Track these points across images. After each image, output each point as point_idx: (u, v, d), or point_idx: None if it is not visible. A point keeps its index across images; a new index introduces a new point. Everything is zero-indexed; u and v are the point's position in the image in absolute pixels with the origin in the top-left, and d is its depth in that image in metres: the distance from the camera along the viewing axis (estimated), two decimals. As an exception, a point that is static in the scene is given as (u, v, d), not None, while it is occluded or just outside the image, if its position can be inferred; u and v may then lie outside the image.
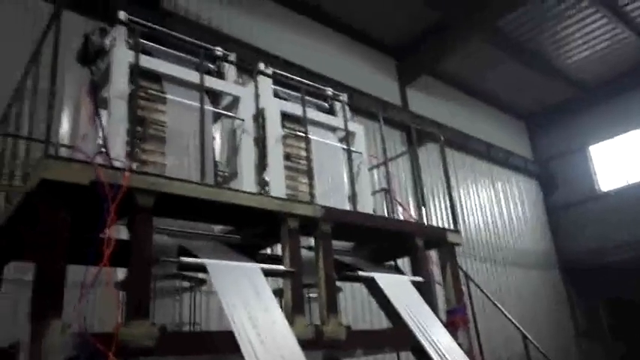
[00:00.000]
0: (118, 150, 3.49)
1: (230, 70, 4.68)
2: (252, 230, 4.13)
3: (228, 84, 4.53)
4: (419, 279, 4.58)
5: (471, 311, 5.75)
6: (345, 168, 5.06)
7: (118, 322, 2.87)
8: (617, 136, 15.37)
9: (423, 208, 5.98)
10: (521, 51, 13.09)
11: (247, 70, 5.21)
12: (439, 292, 5.06)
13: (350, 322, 4.16)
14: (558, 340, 12.88)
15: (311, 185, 4.50)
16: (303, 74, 8.30)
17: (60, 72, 3.16)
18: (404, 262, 5.38)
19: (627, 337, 13.90)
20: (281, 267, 3.73)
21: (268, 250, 4.83)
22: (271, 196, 3.97)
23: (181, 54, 4.46)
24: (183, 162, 3.91)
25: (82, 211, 2.94)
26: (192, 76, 4.15)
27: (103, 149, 3.48)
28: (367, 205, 5.09)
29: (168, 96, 3.95)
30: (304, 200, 4.29)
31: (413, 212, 9.79)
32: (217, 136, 4.73)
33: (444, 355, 4.14)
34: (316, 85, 5.73)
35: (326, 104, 5.58)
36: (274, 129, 4.61)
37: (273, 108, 4.68)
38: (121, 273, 4.03)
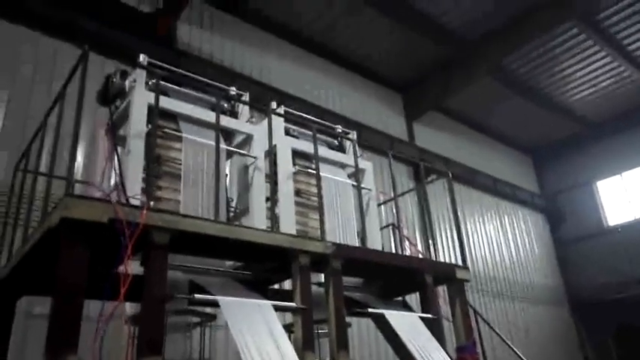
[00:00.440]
0: (135, 187, 3.59)
1: (243, 109, 4.82)
2: (263, 266, 4.18)
3: (242, 123, 4.66)
4: (429, 316, 4.59)
5: (480, 347, 5.70)
6: (354, 204, 5.13)
7: (131, 358, 2.91)
8: (624, 171, 15.42)
9: (431, 244, 6.00)
10: (526, 88, 13.30)
11: (260, 109, 5.37)
12: (448, 328, 5.06)
13: (359, 359, 4.17)
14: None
15: (321, 221, 4.57)
16: (313, 110, 8.51)
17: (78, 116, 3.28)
18: (411, 297, 5.39)
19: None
20: (292, 304, 3.76)
21: (276, 285, 4.88)
22: (283, 233, 4.04)
23: (197, 93, 4.61)
24: (196, 198, 4.00)
25: (98, 247, 3.01)
26: (208, 116, 4.28)
27: (120, 186, 3.59)
28: (376, 240, 5.14)
29: (184, 134, 4.07)
30: (315, 237, 4.35)
31: (420, 247, 9.79)
32: (229, 173, 4.84)
33: (454, 394, 4.12)
34: (326, 122, 5.87)
35: (335, 141, 5.70)
36: (285, 166, 4.72)
37: (285, 145, 4.80)
38: (129, 307, 4.09)
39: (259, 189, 4.46)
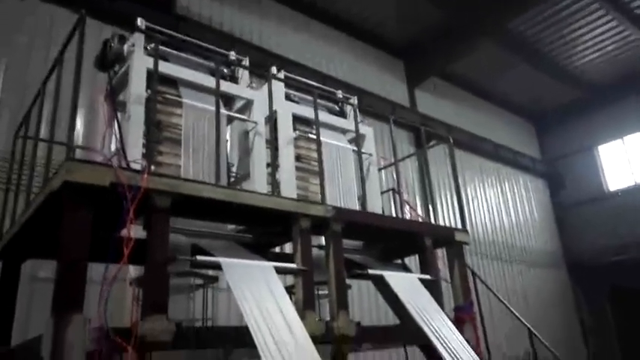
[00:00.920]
0: (135, 152, 3.61)
1: (243, 74, 4.79)
2: (265, 229, 4.24)
3: (242, 88, 4.65)
4: (427, 277, 4.68)
5: (478, 308, 5.82)
6: (355, 169, 5.16)
7: (135, 318, 2.99)
8: (626, 136, 15.39)
9: (431, 208, 6.06)
10: (530, 53, 13.12)
11: (260, 74, 5.33)
12: (446, 289, 5.16)
13: (358, 319, 4.26)
14: (565, 337, 12.89)
15: (322, 186, 4.60)
16: (314, 76, 8.44)
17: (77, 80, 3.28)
18: (411, 260, 5.47)
19: (635, 332, 13.93)
20: (293, 265, 3.84)
21: (278, 248, 4.96)
22: (284, 197, 4.08)
23: (196, 58, 4.58)
24: (197, 164, 4.03)
25: (101, 211, 3.06)
26: (208, 81, 4.27)
27: (120, 151, 3.61)
28: (376, 205, 5.19)
29: (184, 100, 4.07)
30: (316, 201, 4.40)
31: (420, 212, 9.87)
32: (229, 138, 4.86)
33: (452, 351, 4.23)
34: (327, 88, 5.84)
35: (336, 107, 5.68)
36: (286, 131, 4.72)
37: (285, 111, 4.79)
38: (133, 270, 4.17)
39: (260, 154, 4.48)
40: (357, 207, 4.95)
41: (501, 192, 14.32)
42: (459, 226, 5.54)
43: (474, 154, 13.60)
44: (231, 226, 4.41)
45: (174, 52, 4.43)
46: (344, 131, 5.45)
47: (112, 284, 2.90)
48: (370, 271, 4.40)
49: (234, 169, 4.71)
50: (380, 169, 6.26)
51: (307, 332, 3.37)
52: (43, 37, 6.69)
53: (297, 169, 4.80)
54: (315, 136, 4.66)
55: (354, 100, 5.69)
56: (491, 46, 12.27)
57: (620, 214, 14.24)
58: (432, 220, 5.82)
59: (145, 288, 3.20)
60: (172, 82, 4.16)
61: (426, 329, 4.28)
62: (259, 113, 4.53)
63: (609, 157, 15.72)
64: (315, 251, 4.18)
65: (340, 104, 5.68)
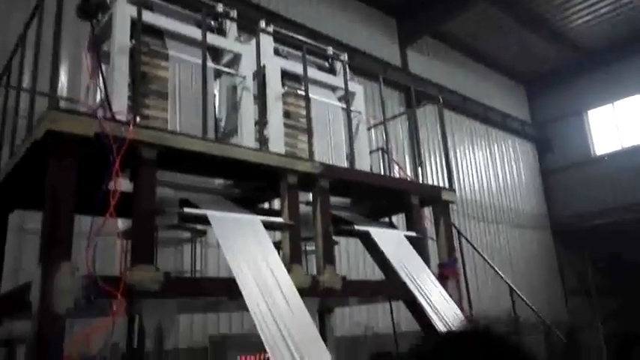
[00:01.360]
0: (120, 104, 3.56)
1: (231, 28, 4.69)
2: (252, 184, 4.25)
3: (230, 41, 4.56)
4: (413, 234, 4.75)
5: (462, 266, 5.95)
6: (343, 127, 5.14)
7: (124, 267, 3.02)
8: (616, 101, 15.42)
9: (420, 168, 6.10)
10: (523, 14, 12.93)
11: (248, 28, 5.22)
12: (432, 248, 5.25)
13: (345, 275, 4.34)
14: (547, 297, 13.27)
15: (310, 143, 4.59)
16: (304, 33, 8.27)
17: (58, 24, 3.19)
18: (398, 220, 5.54)
19: (616, 293, 14.38)
20: (280, 219, 3.87)
21: (266, 205, 4.99)
22: (272, 152, 4.08)
23: (182, 10, 4.47)
24: (184, 117, 3.99)
25: (87, 163, 3.04)
26: (194, 33, 4.17)
27: (105, 102, 3.55)
28: (365, 163, 5.20)
29: (170, 52, 3.98)
30: (304, 157, 4.40)
31: (409, 172, 9.92)
32: (217, 93, 4.79)
33: (434, 305, 4.35)
34: (317, 44, 5.74)
35: (326, 63, 5.61)
36: (274, 86, 4.67)
37: (274, 66, 4.72)
38: (122, 223, 4.18)
39: (248, 110, 4.44)
40: (345, 165, 4.96)
41: (490, 154, 14.42)
42: (447, 185, 5.59)
43: (464, 116, 13.60)
44: (219, 181, 4.42)
45: (159, 1, 4.30)
46: (333, 88, 5.39)
47: (100, 233, 2.92)
48: (357, 227, 4.45)
49: (221, 124, 4.67)
50: (369, 128, 6.25)
51: (294, 285, 3.43)
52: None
53: (286, 125, 4.76)
54: (303, 93, 4.61)
55: (344, 56, 5.61)
56: (486, 6, 12.08)
57: (605, 179, 14.45)
58: (421, 181, 5.86)
59: (133, 239, 3.22)
60: (158, 33, 4.06)
61: (410, 285, 4.38)
62: (247, 68, 4.46)
63: (598, 122, 15.81)
64: (302, 208, 4.21)
65: (330, 61, 5.61)
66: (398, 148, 10.55)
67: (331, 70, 5.61)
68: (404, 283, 4.34)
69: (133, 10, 3.72)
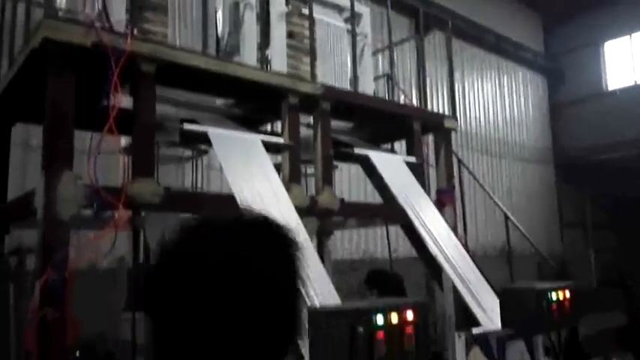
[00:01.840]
0: (119, 15, 3.47)
1: (233, -61, 4.47)
2: (254, 104, 4.24)
3: (231, -46, 4.36)
4: (412, 159, 4.77)
5: (461, 195, 6.02)
6: (348, 50, 5.03)
7: (126, 182, 3.08)
8: (635, 32, 14.88)
9: (423, 96, 6.01)
10: None
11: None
12: (431, 175, 5.30)
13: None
14: (544, 230, 13.50)
15: (313, 65, 4.51)
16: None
17: None
18: (401, 148, 5.55)
19: (615, 229, 14.64)
20: (280, 139, 3.89)
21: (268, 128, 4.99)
22: (273, 72, 4.02)
23: None
24: (184, 34, 3.92)
25: (86, 79, 3.01)
26: (194, -58, 3.99)
27: (103, 13, 3.47)
28: (368, 88, 5.13)
29: (169, -38, 3.83)
30: (306, 78, 4.34)
31: (415, 101, 9.79)
32: (219, 10, 4.65)
33: (430, 230, 4.45)
34: (322, -41, 5.47)
35: (332, -19, 5.39)
36: (278, 5, 4.52)
37: (277, -18, 4.54)
38: (124, 140, 4.22)
39: (250, 29, 4.32)
40: (348, 88, 4.90)
41: (499, 87, 14.15)
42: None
43: (474, 45, 13.18)
44: (220, 101, 4.40)
45: None
46: (340, 9, 5.22)
47: (101, 150, 2.96)
48: (356, 150, 4.47)
49: (223, 42, 4.58)
50: (374, 53, 6.11)
51: (292, 203, 3.51)
52: None
53: (289, 47, 4.65)
54: (308, 12, 4.47)
55: (351, -26, 5.38)
56: None
57: (614, 114, 14.21)
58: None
59: (134, 153, 3.26)
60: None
61: (407, 209, 4.45)
62: (250, -17, 4.30)
63: (613, 55, 15.35)
64: (303, 131, 4.22)
65: (337, -21, 5.38)
66: (405, 80, 10.34)
67: (338, -10, 5.40)
68: (401, 208, 4.42)
69: None
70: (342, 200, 4.13)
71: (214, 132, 3.48)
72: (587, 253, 13.76)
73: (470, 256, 4.41)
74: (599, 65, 15.41)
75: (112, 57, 2.93)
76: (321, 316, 2.12)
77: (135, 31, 3.38)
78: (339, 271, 7.78)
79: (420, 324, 2.23)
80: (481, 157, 12.72)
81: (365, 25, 5.29)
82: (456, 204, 5.05)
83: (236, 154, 3.47)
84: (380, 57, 7.93)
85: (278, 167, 4.32)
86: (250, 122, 4.32)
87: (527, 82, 15.28)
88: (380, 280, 4.76)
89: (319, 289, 3.20)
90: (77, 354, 3.54)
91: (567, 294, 2.83)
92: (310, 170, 4.94)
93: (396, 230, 6.15)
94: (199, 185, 5.01)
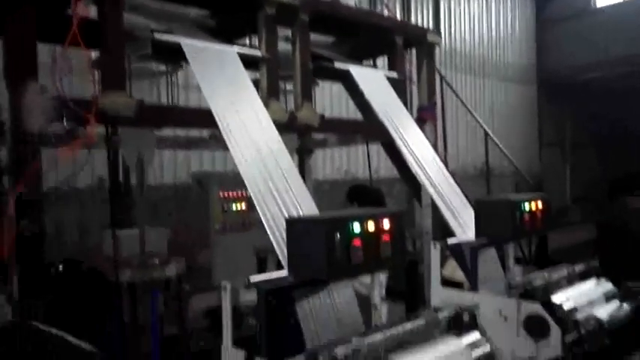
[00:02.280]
0: None
1: None
2: (229, 15, 4.04)
3: None
4: (394, 74, 4.68)
5: (442, 113, 5.99)
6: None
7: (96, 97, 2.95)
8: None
9: (408, 10, 5.80)
10: None
11: None
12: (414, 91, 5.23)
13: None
14: (522, 149, 13.66)
15: (291, -27, 4.25)
16: None
17: None
18: (384, 65, 5.42)
19: (595, 145, 14.90)
20: (257, 52, 3.74)
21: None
22: (247, -22, 3.80)
23: None
24: None
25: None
26: None
27: None
28: (349, 0, 4.93)
29: None
30: (283, -13, 4.11)
31: (398, 16, 9.46)
32: None
33: (411, 147, 4.44)
34: None
35: None
36: None
37: None
38: (94, 54, 4.02)
39: None
40: None
41: (486, 3, 13.71)
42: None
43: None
44: (194, 12, 4.18)
45: None
46: None
47: (70, 62, 2.82)
48: (337, 65, 4.34)
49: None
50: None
51: (271, 119, 3.43)
52: None
53: (266, -48, 4.38)
54: None
55: None
56: None
57: (601, 32, 13.94)
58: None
59: (103, 65, 3.11)
60: None
61: (388, 126, 4.41)
62: None
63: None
64: (282, 45, 4.06)
65: None
66: None
67: None
68: (382, 124, 4.37)
69: None
70: (322, 116, 4.07)
71: (188, 43, 3.32)
72: (565, 171, 14.09)
73: (449, 172, 4.45)
74: (591, -20, 14.94)
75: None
76: (298, 223, 2.13)
77: None
78: (320, 191, 7.88)
79: (396, 232, 2.27)
80: (464, 77, 12.57)
81: None
82: (436, 121, 5.03)
83: (212, 66, 3.34)
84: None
85: (256, 84, 4.21)
86: (226, 35, 4.12)
87: (515, 1, 14.83)
88: (360, 194, 4.81)
89: (300, 203, 3.20)
90: (60, 268, 3.58)
91: (539, 204, 2.89)
92: (290, 87, 4.83)
93: (377, 150, 6.16)
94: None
